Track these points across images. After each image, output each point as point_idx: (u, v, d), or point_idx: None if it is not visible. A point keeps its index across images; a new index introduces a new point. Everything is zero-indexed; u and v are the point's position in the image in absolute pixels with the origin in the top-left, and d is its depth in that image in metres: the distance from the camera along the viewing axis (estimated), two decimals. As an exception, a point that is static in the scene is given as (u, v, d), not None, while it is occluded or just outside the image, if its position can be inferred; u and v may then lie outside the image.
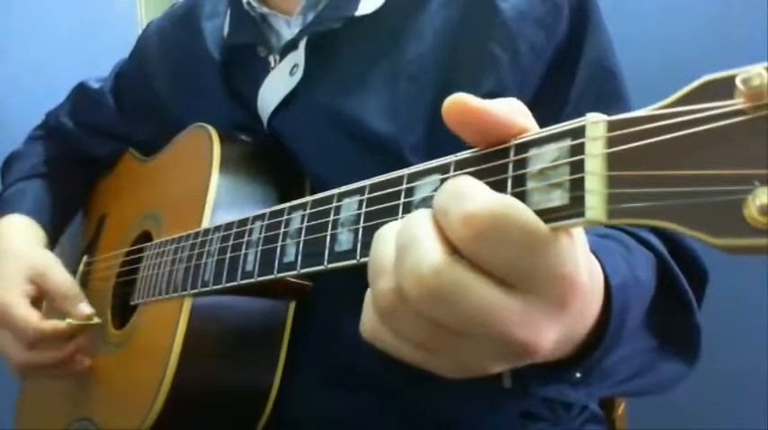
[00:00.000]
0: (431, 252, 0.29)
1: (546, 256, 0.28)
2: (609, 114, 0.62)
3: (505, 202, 0.28)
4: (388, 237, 0.32)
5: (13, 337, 0.71)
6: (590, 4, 0.62)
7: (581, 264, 0.30)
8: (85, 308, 0.73)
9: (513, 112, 0.31)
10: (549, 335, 0.31)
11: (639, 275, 0.45)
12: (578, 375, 0.41)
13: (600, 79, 0.62)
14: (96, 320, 0.73)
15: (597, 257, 0.38)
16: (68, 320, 0.72)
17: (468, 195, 0.29)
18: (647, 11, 1.24)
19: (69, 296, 0.73)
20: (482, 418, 0.66)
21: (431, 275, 0.29)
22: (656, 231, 0.54)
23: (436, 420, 0.65)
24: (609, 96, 0.62)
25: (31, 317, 0.71)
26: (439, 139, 0.61)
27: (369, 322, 0.34)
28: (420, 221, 0.30)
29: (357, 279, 0.56)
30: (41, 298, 0.75)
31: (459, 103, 0.31)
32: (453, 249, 0.29)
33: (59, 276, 0.75)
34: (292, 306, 0.65)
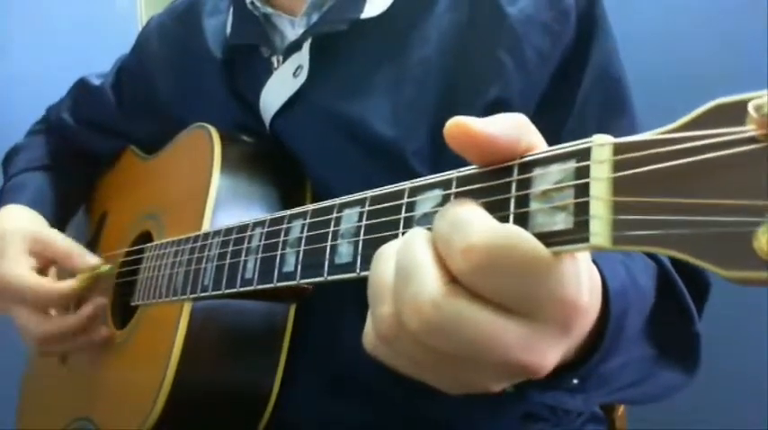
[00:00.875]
0: (430, 282, 0.29)
1: (547, 282, 0.28)
2: (612, 122, 0.61)
3: (505, 233, 0.28)
4: (387, 256, 0.32)
5: (30, 310, 0.71)
6: (597, 10, 0.62)
7: (583, 284, 0.30)
8: (92, 258, 0.73)
9: (516, 132, 0.31)
10: (552, 356, 0.31)
11: (639, 281, 0.45)
12: (575, 382, 0.41)
13: (605, 86, 0.61)
14: (107, 267, 0.73)
15: (595, 262, 0.38)
16: (80, 276, 0.72)
17: (468, 226, 0.28)
18: (649, 9, 1.23)
19: (74, 253, 0.74)
20: (482, 421, 0.66)
21: (430, 307, 0.28)
22: None
23: (436, 424, 0.65)
24: (613, 104, 0.61)
25: (44, 281, 0.71)
26: (443, 145, 0.61)
27: (369, 338, 0.34)
28: (420, 247, 0.30)
29: (357, 284, 0.56)
30: (45, 269, 0.75)
31: (460, 125, 0.30)
32: (453, 278, 0.29)
33: (58, 238, 0.75)
34: (293, 309, 0.64)
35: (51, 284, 0.71)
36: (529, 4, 0.60)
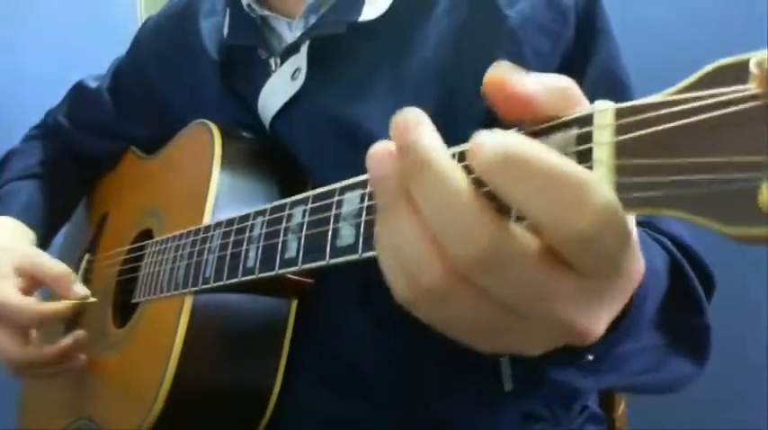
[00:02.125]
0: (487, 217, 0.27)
1: (624, 247, 0.27)
2: None
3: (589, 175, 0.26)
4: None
5: (10, 332, 0.71)
6: (597, 11, 0.62)
7: (636, 245, 0.30)
8: (80, 288, 0.72)
9: (557, 99, 0.29)
10: (603, 323, 0.30)
11: (656, 267, 0.45)
12: (590, 358, 0.40)
13: (606, 87, 0.61)
14: (92, 299, 0.72)
15: None
16: (65, 302, 0.71)
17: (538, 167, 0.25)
18: (649, 9, 1.24)
19: (62, 278, 0.72)
20: (483, 419, 0.65)
21: (487, 239, 0.26)
22: (666, 234, 0.53)
23: (437, 422, 0.65)
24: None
25: (28, 302, 0.70)
26: None
27: (406, 293, 0.30)
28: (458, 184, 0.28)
29: (359, 279, 0.56)
30: (31, 290, 0.74)
31: (493, 77, 0.29)
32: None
33: (48, 262, 0.74)
34: (294, 306, 0.64)
35: (36, 306, 0.70)
36: (527, 6, 0.60)
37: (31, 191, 0.88)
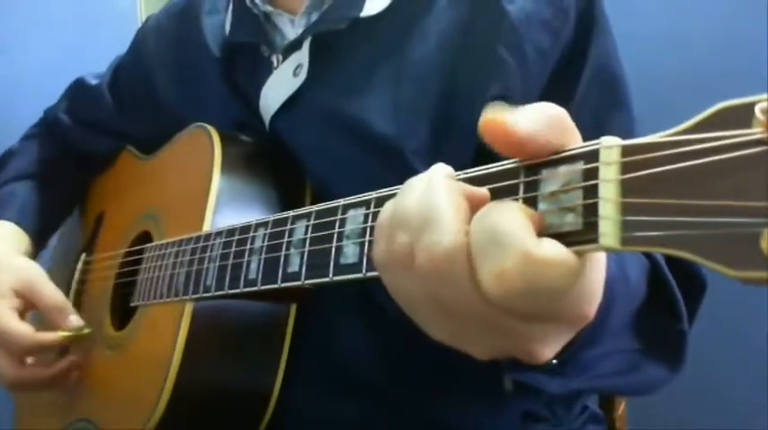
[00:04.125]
0: (448, 233, 0.30)
1: (572, 296, 0.29)
2: (609, 116, 0.62)
3: (541, 258, 0.28)
4: (415, 189, 0.33)
5: (5, 352, 0.71)
6: (596, 8, 0.62)
7: (600, 284, 0.31)
8: (76, 320, 0.73)
9: (550, 131, 0.30)
10: (556, 348, 0.32)
11: (629, 275, 0.46)
12: (554, 362, 0.40)
13: (603, 85, 0.61)
14: (87, 331, 0.73)
15: None
16: (60, 333, 0.72)
17: (504, 248, 0.28)
18: (649, 10, 1.23)
19: (59, 309, 0.73)
20: (483, 420, 0.66)
21: (443, 258, 0.30)
22: None
23: (436, 423, 0.65)
24: (610, 99, 0.61)
25: (25, 329, 0.71)
26: (443, 143, 0.60)
27: (381, 256, 0.34)
28: (441, 191, 0.31)
29: (357, 286, 0.56)
30: (27, 311, 0.75)
31: (493, 122, 0.30)
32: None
33: (48, 289, 0.75)
34: (293, 310, 0.65)
35: (32, 335, 0.71)
36: (528, 2, 0.60)
37: (28, 192, 0.88)
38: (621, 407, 0.86)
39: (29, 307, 0.74)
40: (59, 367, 0.73)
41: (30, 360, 0.73)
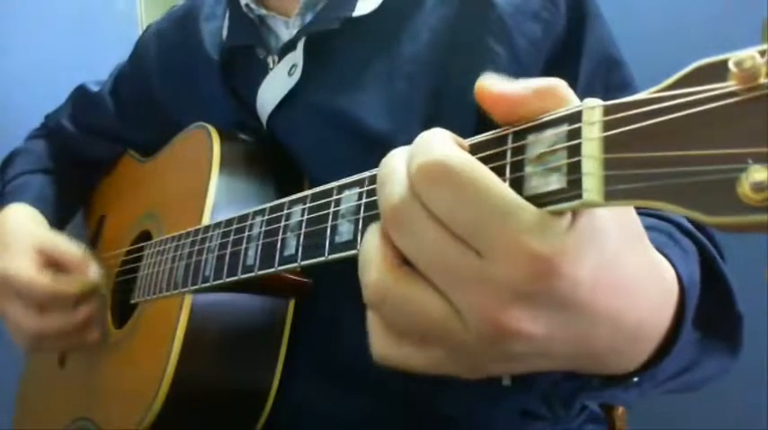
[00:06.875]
0: (376, 267, 0.32)
1: (509, 223, 0.28)
2: None
3: (466, 156, 0.30)
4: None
5: (24, 305, 0.71)
6: None
7: (572, 253, 0.28)
8: (96, 272, 0.73)
9: (539, 97, 0.31)
10: (522, 316, 0.29)
11: (694, 275, 0.44)
12: (635, 379, 0.40)
13: (605, 70, 0.62)
14: (104, 290, 0.73)
15: (670, 260, 0.38)
16: (80, 281, 0.72)
17: (431, 144, 0.30)
18: (649, 10, 1.24)
19: (78, 258, 0.74)
20: (481, 415, 0.66)
21: (373, 290, 0.32)
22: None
23: (436, 419, 0.65)
24: (616, 86, 0.62)
25: (42, 278, 0.71)
26: None
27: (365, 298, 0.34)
28: (371, 237, 0.33)
29: (356, 278, 0.57)
30: (47, 268, 0.74)
31: (485, 85, 0.32)
32: (402, 261, 0.32)
33: (66, 243, 0.76)
34: (292, 305, 0.65)
35: (49, 282, 0.71)
36: None
37: (43, 184, 0.89)
38: (621, 407, 0.86)
39: (51, 265, 0.74)
40: (82, 313, 0.72)
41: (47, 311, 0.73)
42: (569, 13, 0.61)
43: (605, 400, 0.47)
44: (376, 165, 0.60)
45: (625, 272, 0.32)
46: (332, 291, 0.62)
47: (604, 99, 0.62)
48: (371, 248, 0.32)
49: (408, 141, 0.61)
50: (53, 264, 0.75)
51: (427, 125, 0.62)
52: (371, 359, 0.65)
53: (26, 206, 0.84)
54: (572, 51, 0.61)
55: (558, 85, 0.31)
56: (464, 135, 0.60)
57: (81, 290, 0.71)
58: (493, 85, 0.31)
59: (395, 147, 0.61)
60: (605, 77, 0.61)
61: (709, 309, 0.44)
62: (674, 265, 0.38)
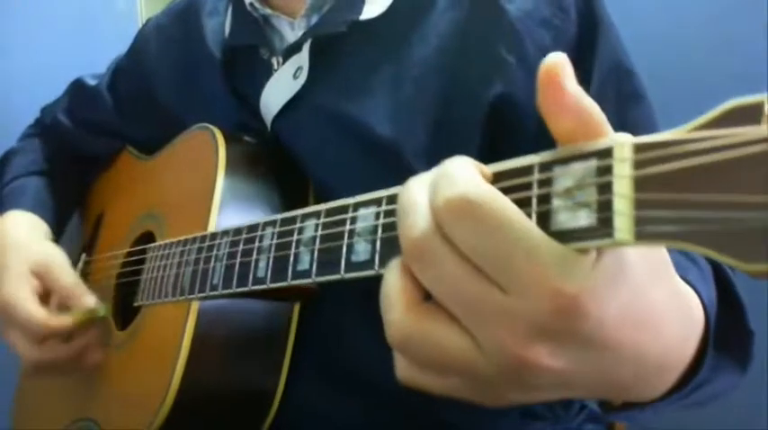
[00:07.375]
0: (397, 307, 0.32)
1: (533, 259, 0.28)
2: (630, 112, 0.62)
3: (488, 188, 0.29)
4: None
5: (23, 335, 0.71)
6: (597, 6, 0.62)
7: (598, 292, 0.28)
8: (89, 300, 0.72)
9: (590, 112, 0.30)
10: (545, 351, 0.29)
11: (712, 297, 0.44)
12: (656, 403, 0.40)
13: (617, 80, 0.61)
14: (102, 313, 0.73)
15: (692, 285, 0.38)
16: (74, 315, 0.71)
17: (454, 177, 0.30)
18: (649, 10, 1.24)
19: (71, 291, 0.73)
20: (482, 418, 0.66)
21: (395, 330, 0.32)
22: None
23: (438, 421, 0.66)
24: (628, 95, 0.61)
25: (39, 313, 0.71)
26: (442, 145, 0.61)
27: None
28: (391, 277, 0.33)
29: (360, 285, 0.56)
30: (49, 292, 0.74)
31: (553, 65, 0.31)
32: (421, 299, 0.32)
33: (61, 272, 0.74)
34: (297, 308, 0.65)
35: (46, 319, 0.70)
36: (527, 2, 0.60)
37: (38, 186, 0.88)
38: (620, 407, 0.86)
39: (47, 288, 0.74)
40: (78, 345, 0.72)
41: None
42: (580, 20, 0.61)
43: (618, 421, 0.48)
44: (380, 170, 0.60)
45: (651, 305, 0.32)
46: (337, 295, 0.62)
47: (616, 108, 0.62)
48: (393, 289, 0.32)
49: (414, 146, 0.61)
50: (49, 289, 0.74)
51: (433, 132, 0.62)
52: (374, 363, 0.65)
53: (25, 213, 0.83)
54: (583, 59, 0.60)
55: (605, 120, 0.31)
56: (470, 142, 0.60)
57: (76, 323, 0.71)
58: (561, 76, 0.30)
59: (400, 151, 0.62)
60: (617, 86, 0.61)
61: (723, 327, 0.44)
62: (696, 291, 0.38)
